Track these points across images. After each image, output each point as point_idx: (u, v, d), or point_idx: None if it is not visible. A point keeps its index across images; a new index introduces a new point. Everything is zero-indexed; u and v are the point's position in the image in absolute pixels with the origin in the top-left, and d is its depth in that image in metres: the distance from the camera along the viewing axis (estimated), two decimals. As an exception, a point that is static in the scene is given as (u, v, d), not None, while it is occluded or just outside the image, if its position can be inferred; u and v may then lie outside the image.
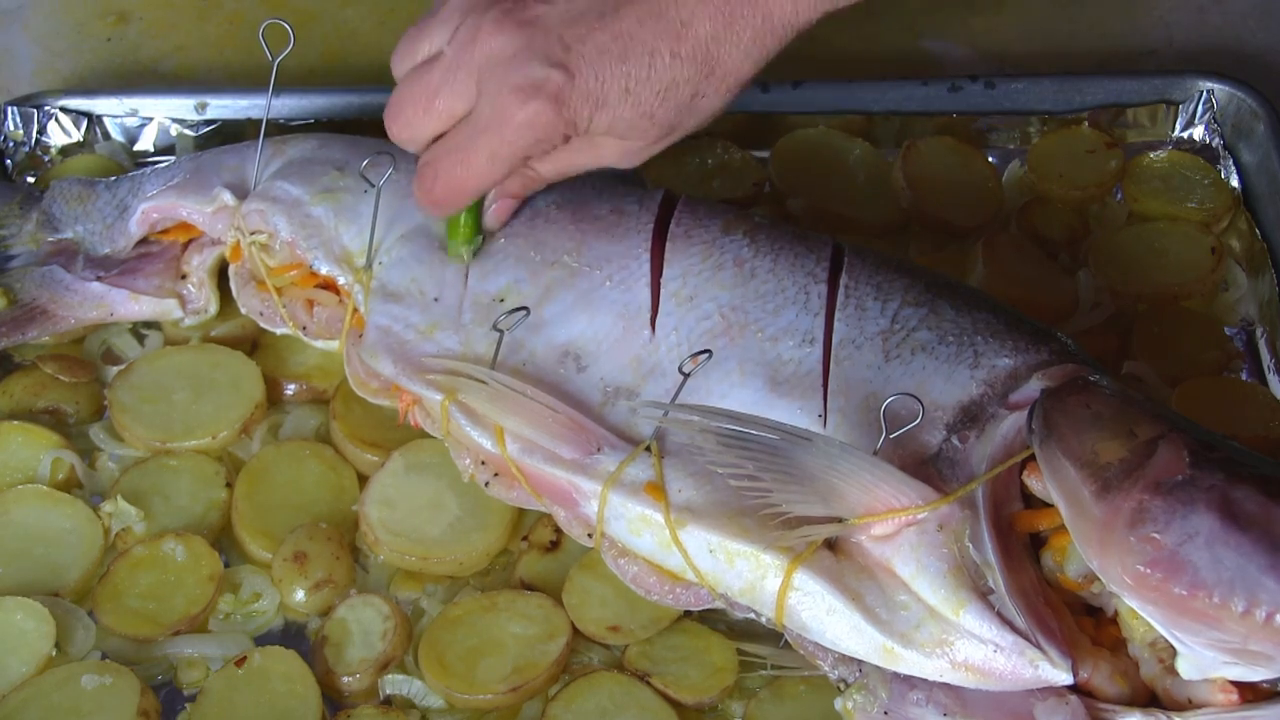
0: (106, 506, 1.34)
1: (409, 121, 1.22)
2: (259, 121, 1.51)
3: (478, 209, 1.32)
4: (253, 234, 1.42)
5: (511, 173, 1.24)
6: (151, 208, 1.48)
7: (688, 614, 1.26)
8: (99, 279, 1.47)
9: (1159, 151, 1.64)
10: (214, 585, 1.28)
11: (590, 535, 1.24)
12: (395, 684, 1.25)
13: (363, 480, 1.36)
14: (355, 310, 1.37)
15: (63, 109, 1.68)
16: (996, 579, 1.10)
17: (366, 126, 1.63)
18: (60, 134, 1.68)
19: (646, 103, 1.16)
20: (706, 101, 1.19)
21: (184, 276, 1.49)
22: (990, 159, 1.65)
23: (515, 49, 1.15)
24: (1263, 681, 1.05)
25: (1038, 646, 1.08)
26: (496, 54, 1.16)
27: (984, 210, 1.58)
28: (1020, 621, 1.09)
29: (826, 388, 1.21)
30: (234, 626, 1.29)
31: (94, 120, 1.68)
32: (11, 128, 1.67)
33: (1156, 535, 1.03)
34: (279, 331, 1.45)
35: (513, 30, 1.15)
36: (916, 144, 1.61)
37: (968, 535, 1.11)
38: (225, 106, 1.68)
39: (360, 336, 1.36)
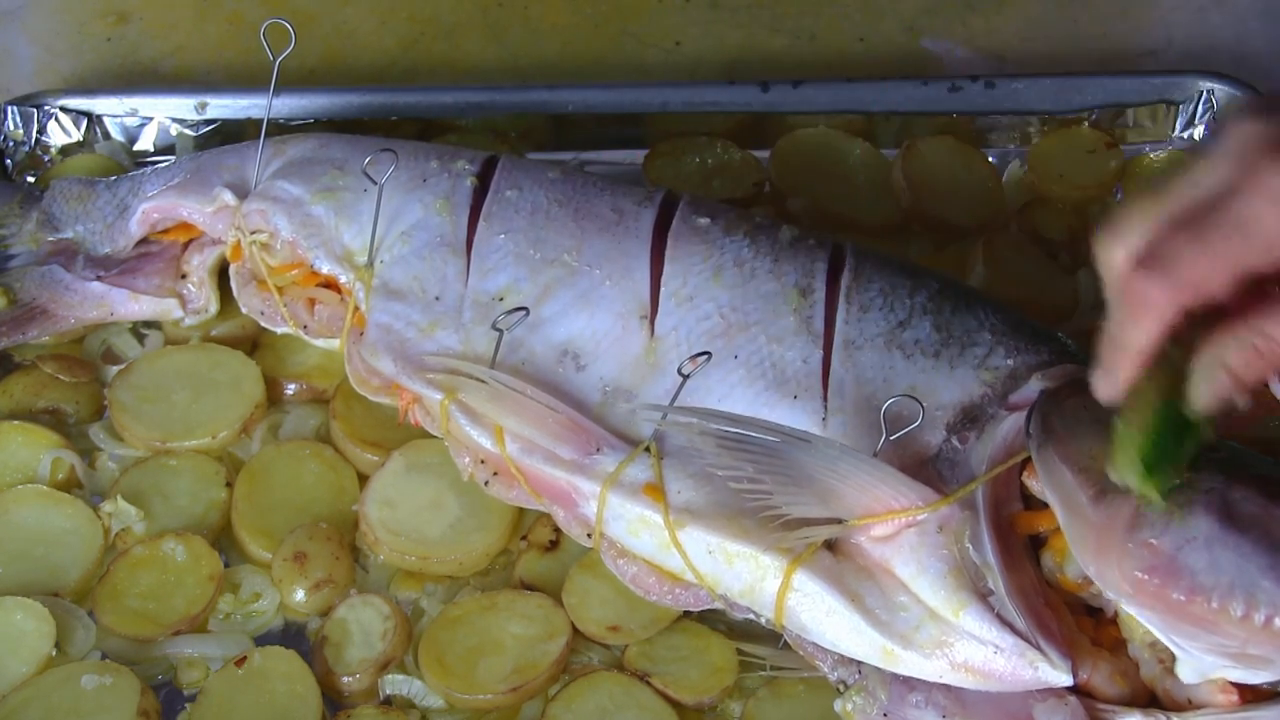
0: (106, 506, 1.34)
1: None
2: (259, 121, 1.51)
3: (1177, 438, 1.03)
4: (253, 233, 1.42)
5: None
6: (152, 207, 1.48)
7: (687, 614, 1.26)
8: (99, 279, 1.47)
9: (1159, 151, 1.64)
10: (214, 585, 1.28)
11: (589, 535, 1.24)
12: (395, 684, 1.25)
13: (363, 480, 1.36)
14: (356, 309, 1.37)
15: (63, 109, 1.67)
16: (996, 580, 1.10)
17: (366, 126, 1.64)
18: (60, 134, 1.68)
19: None
20: None
21: (184, 276, 1.49)
22: (990, 159, 1.64)
23: None
24: (1263, 683, 1.05)
25: (1037, 648, 1.08)
26: None
27: (984, 210, 1.58)
28: (1020, 623, 1.09)
29: (826, 389, 1.21)
30: (234, 626, 1.29)
31: (94, 120, 1.68)
32: (11, 128, 1.66)
33: (1154, 540, 1.02)
34: (280, 331, 1.45)
35: None
36: (916, 144, 1.61)
37: (967, 536, 1.11)
38: (225, 106, 1.68)
39: (361, 335, 1.36)
